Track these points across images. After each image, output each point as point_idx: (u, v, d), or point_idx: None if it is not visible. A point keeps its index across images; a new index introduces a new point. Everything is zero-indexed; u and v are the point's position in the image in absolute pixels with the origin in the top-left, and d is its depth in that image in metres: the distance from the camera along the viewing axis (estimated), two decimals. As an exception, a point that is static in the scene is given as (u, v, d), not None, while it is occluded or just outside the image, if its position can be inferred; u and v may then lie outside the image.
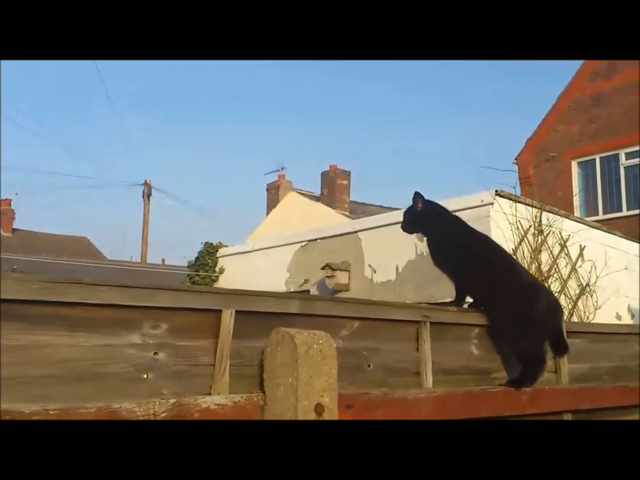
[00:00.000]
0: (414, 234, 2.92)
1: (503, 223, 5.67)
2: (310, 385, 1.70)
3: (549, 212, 6.40)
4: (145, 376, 1.64)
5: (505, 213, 5.81)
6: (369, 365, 2.13)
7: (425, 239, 2.72)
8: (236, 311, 1.79)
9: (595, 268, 6.46)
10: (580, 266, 6.59)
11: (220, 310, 1.77)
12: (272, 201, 20.90)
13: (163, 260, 32.20)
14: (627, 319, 7.01)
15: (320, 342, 1.75)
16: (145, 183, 26.78)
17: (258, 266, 8.28)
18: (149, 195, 26.90)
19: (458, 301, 2.57)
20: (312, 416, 1.69)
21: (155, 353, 1.67)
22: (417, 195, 2.64)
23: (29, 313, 1.48)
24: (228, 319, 1.77)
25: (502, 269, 2.58)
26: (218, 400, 1.67)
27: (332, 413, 1.73)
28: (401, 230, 2.75)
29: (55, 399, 1.46)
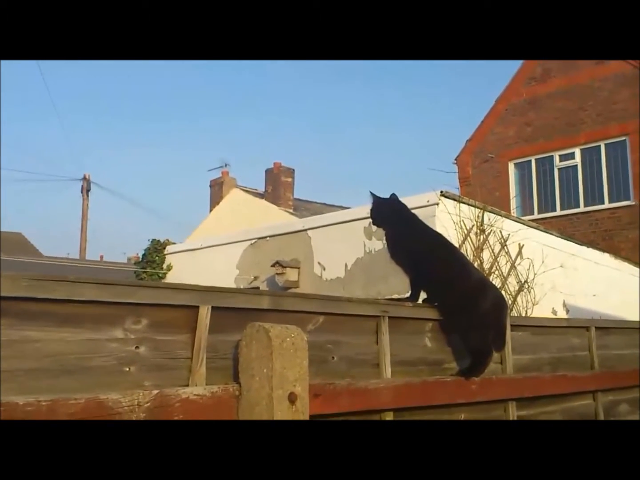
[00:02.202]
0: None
1: (448, 223, 5.90)
2: (283, 376, 1.81)
3: (490, 212, 6.68)
4: (127, 369, 1.72)
5: (449, 213, 6.04)
6: (333, 358, 2.26)
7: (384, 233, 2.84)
8: (212, 307, 1.89)
9: (533, 266, 6.79)
10: (519, 264, 6.90)
11: (198, 307, 1.86)
12: (216, 198, 20.79)
13: (102, 256, 31.59)
14: (562, 314, 7.38)
15: (292, 335, 1.87)
16: (84, 178, 26.22)
17: (207, 264, 8.30)
18: (88, 191, 26.35)
19: (413, 296, 2.70)
20: (286, 404, 1.80)
21: (136, 347, 1.74)
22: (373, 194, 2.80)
23: (19, 309, 1.54)
24: (205, 314, 1.87)
25: (453, 266, 2.72)
26: (197, 391, 1.76)
27: (303, 401, 1.85)
28: (366, 225, 2.86)
29: (46, 391, 1.52)
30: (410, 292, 2.73)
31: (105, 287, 1.70)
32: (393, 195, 2.75)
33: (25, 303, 1.55)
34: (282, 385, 1.80)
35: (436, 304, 2.67)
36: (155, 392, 1.66)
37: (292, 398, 1.81)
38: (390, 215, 2.75)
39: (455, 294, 2.63)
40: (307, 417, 1.86)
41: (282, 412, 1.79)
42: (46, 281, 1.59)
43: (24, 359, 1.54)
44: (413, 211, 2.86)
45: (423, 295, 2.75)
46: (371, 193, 2.79)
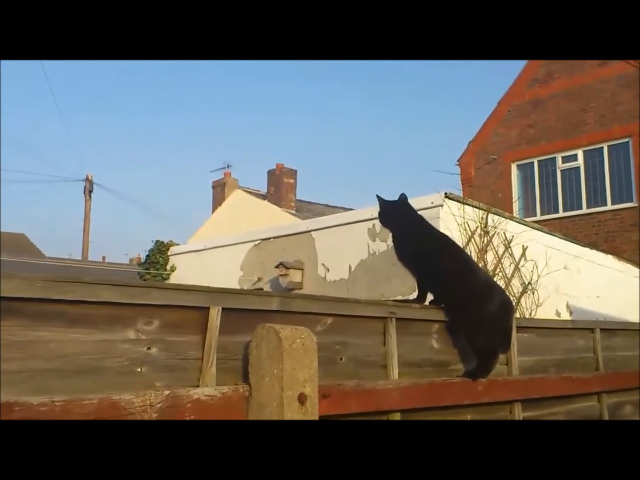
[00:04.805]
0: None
1: (452, 224, 5.90)
2: (293, 377, 1.82)
3: (494, 214, 6.69)
4: (139, 370, 1.74)
5: (453, 215, 6.05)
6: (341, 359, 2.27)
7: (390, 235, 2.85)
8: (222, 308, 1.91)
9: (536, 267, 6.79)
10: (523, 265, 6.90)
11: (208, 308, 1.88)
12: (218, 199, 20.80)
13: (104, 257, 31.67)
14: (565, 315, 7.39)
15: (302, 336, 1.88)
16: (87, 179, 26.26)
17: (210, 265, 8.32)
18: (90, 192, 26.39)
19: (420, 298, 2.71)
20: (296, 405, 1.81)
21: (148, 348, 1.76)
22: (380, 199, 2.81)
23: (33, 310, 1.56)
24: (215, 315, 1.88)
25: (460, 268, 2.73)
26: (208, 392, 1.78)
27: (313, 402, 1.86)
28: (380, 224, 2.87)
29: (59, 391, 1.54)
30: (417, 293, 2.74)
31: (118, 288, 1.71)
32: (402, 195, 2.76)
33: (39, 304, 1.56)
34: (292, 386, 1.81)
35: (443, 305, 2.68)
36: (166, 392, 1.68)
37: (301, 399, 1.82)
38: (398, 216, 2.76)
39: (462, 296, 2.64)
40: (316, 418, 1.87)
41: (292, 413, 1.80)
42: (60, 282, 1.60)
43: (37, 359, 1.56)
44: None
45: (430, 297, 2.76)
46: (378, 197, 2.81)
